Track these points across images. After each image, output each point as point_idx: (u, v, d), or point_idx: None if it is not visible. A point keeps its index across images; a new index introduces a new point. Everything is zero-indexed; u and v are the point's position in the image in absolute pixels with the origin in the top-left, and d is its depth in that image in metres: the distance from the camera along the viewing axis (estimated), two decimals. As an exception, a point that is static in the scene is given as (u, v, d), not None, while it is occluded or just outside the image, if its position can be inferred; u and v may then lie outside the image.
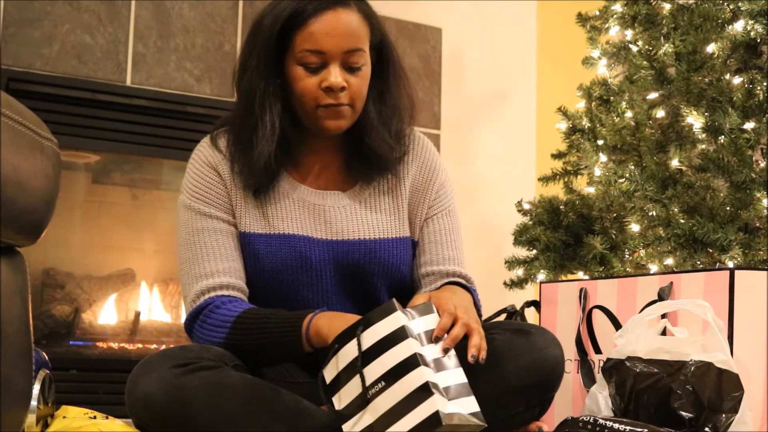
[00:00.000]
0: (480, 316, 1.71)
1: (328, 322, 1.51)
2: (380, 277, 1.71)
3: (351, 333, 1.40)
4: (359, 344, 1.37)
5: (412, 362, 1.33)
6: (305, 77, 1.63)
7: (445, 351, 1.39)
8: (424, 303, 1.44)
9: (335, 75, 1.61)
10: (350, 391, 1.39)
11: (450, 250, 1.78)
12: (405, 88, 1.76)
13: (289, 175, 1.73)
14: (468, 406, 1.34)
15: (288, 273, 1.67)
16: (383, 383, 1.35)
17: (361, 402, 1.37)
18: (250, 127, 1.66)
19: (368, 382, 1.36)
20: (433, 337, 1.40)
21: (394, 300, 1.37)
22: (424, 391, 1.31)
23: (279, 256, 1.67)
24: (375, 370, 1.36)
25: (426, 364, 1.34)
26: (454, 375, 1.37)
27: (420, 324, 1.39)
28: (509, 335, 1.60)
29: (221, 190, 1.71)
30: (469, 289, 1.76)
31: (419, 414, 1.31)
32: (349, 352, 1.40)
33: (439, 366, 1.36)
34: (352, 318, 1.47)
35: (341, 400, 1.40)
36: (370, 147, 1.70)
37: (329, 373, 1.42)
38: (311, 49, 1.61)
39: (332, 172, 1.76)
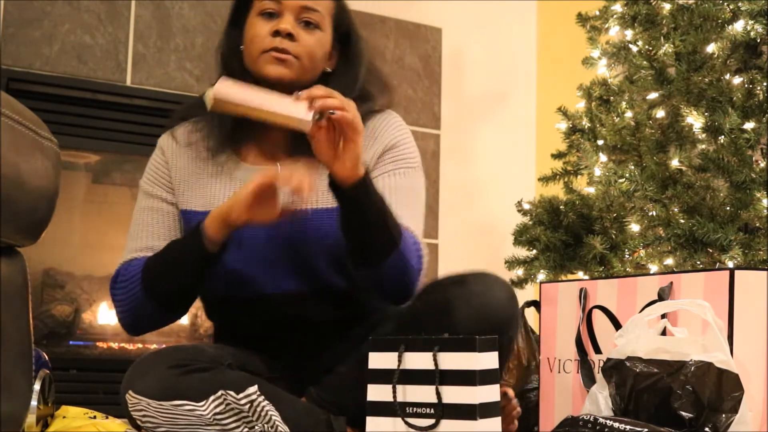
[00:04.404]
0: (418, 280, 1.64)
1: (216, 209, 1.56)
2: (317, 249, 1.65)
3: (423, 344, 1.39)
4: (436, 362, 1.37)
5: (470, 411, 1.35)
6: (258, 24, 1.68)
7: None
8: (491, 338, 1.40)
9: (286, 22, 1.66)
10: (408, 394, 1.39)
11: (396, 208, 1.63)
12: (374, 73, 1.78)
13: (232, 151, 1.73)
14: None
15: (224, 250, 1.63)
16: (431, 410, 1.36)
17: (421, 415, 1.38)
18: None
19: (426, 401, 1.37)
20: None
21: (477, 338, 1.35)
22: None
23: None
24: (435, 394, 1.37)
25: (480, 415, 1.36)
26: (492, 425, 1.38)
27: (481, 361, 1.38)
28: (447, 288, 1.59)
29: (164, 171, 1.74)
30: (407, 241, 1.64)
31: None
32: (414, 360, 1.39)
33: (483, 413, 1.37)
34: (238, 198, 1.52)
35: (405, 395, 1.40)
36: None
37: (377, 361, 1.42)
38: None
39: (271, 148, 1.72)
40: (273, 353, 1.71)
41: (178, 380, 1.49)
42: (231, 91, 1.51)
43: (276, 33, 1.65)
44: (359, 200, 1.53)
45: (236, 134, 1.71)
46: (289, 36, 1.64)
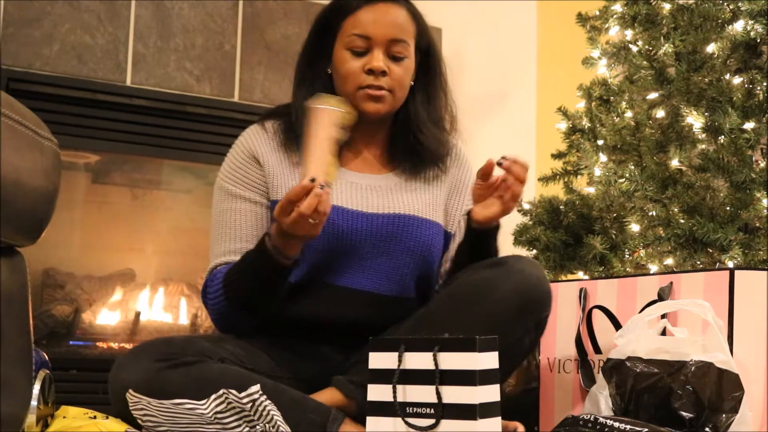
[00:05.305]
0: None
1: (279, 228, 1.57)
2: (411, 255, 1.74)
3: (423, 345, 1.39)
4: (436, 362, 1.37)
5: (470, 411, 1.35)
6: (350, 60, 1.72)
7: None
8: (492, 338, 1.40)
9: (378, 59, 1.71)
10: (408, 394, 1.39)
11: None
12: (449, 100, 1.86)
13: None
14: None
15: (320, 241, 1.67)
16: (431, 410, 1.36)
17: (421, 415, 1.37)
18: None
19: (426, 401, 1.37)
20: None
21: (477, 338, 1.36)
22: None
23: None
24: (435, 394, 1.37)
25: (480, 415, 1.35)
26: (492, 425, 1.38)
27: (481, 361, 1.38)
28: (487, 269, 1.64)
29: (249, 168, 1.76)
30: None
31: None
32: (414, 360, 1.39)
33: (483, 413, 1.36)
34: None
35: (406, 395, 1.40)
36: (422, 143, 1.78)
37: (377, 362, 1.42)
38: (358, 34, 1.72)
39: (370, 160, 1.81)
40: (308, 346, 1.73)
41: (161, 374, 1.51)
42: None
43: (370, 71, 1.71)
44: (483, 241, 1.71)
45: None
46: (383, 73, 1.71)
